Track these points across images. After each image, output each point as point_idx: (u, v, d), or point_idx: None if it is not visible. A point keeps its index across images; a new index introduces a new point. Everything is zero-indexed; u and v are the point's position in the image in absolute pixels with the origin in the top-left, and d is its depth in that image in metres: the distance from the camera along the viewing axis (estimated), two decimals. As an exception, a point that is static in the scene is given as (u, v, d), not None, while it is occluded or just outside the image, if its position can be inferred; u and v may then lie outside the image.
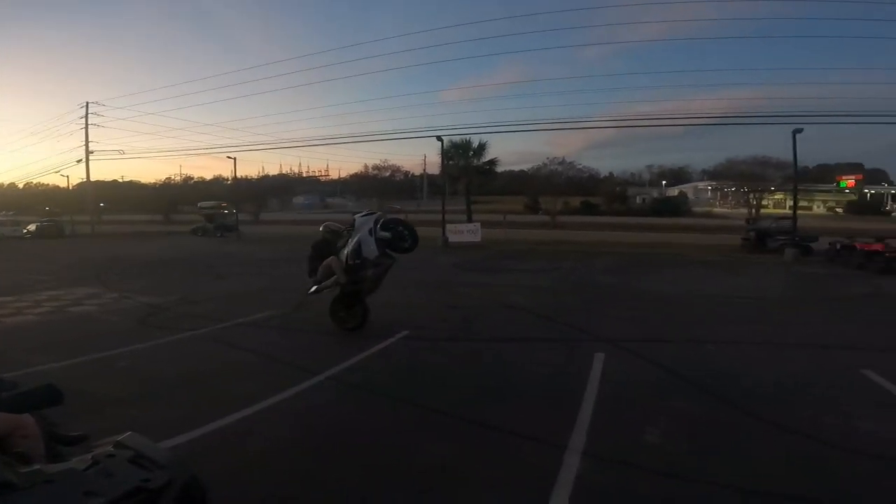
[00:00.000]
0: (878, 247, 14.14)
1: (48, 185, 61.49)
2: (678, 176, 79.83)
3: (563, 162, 41.07)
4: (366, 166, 47.57)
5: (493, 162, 29.86)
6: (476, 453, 3.57)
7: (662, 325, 7.63)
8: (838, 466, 3.36)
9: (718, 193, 60.92)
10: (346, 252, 6.68)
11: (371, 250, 6.63)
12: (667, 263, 15.83)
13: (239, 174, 45.96)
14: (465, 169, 29.07)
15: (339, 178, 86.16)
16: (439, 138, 23.25)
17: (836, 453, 3.53)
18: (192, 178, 70.94)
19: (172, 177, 69.37)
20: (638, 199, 61.33)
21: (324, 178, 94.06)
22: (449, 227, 21.69)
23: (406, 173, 52.00)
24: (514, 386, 4.96)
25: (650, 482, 3.16)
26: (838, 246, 16.10)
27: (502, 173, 42.88)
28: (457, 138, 28.57)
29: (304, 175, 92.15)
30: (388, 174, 44.34)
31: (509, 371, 5.45)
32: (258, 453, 3.52)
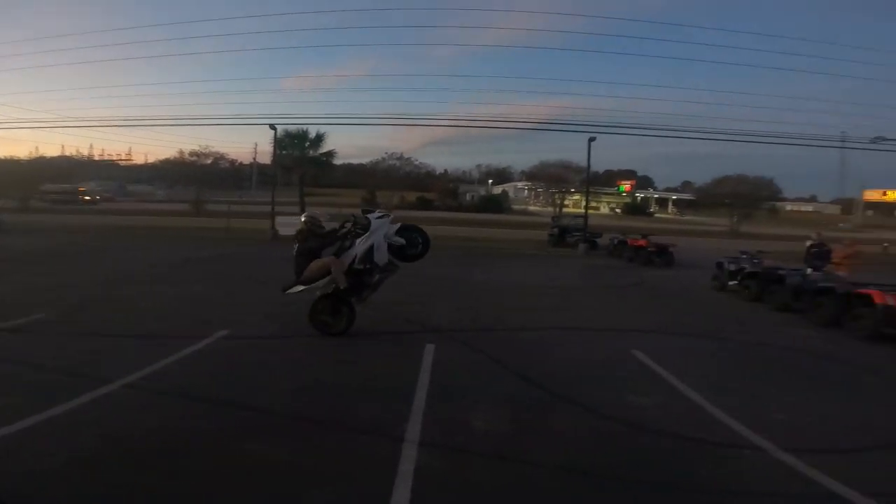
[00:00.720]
0: (642, 243, 17.74)
1: None
2: (502, 175, 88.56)
3: (401, 157, 42.05)
4: (181, 152, 41.35)
5: (330, 154, 28.90)
6: (310, 451, 3.48)
7: (485, 314, 8.39)
8: (624, 441, 3.88)
9: (532, 193, 69.27)
10: (354, 253, 6.23)
11: (383, 256, 6.32)
12: (488, 256, 17.46)
13: (5, 154, 35.94)
14: (299, 160, 27.53)
15: (146, 164, 73.67)
16: (272, 126, 21.61)
17: (622, 428, 4.09)
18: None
19: None
20: (468, 196, 66.23)
21: (125, 162, 79.35)
22: (280, 219, 20.35)
23: (232, 161, 46.89)
24: (346, 381, 4.92)
25: (483, 467, 3.39)
26: (615, 241, 19.77)
27: (341, 166, 42.03)
28: (293, 128, 26.96)
29: (98, 158, 76.42)
30: (209, 161, 39.41)
31: (340, 366, 5.39)
32: (32, 472, 2.96)
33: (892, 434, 4.20)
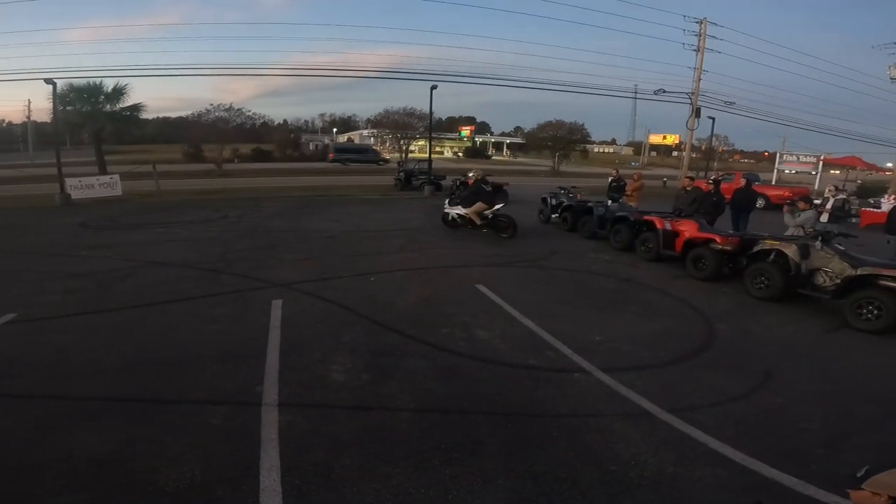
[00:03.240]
0: (480, 182, 18.98)
1: None
2: (347, 124, 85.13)
3: (230, 108, 37.13)
4: None
5: (136, 108, 24.20)
6: (151, 432, 3.15)
7: (332, 262, 8.21)
8: (472, 375, 4.16)
9: (378, 140, 68.29)
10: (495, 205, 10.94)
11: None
12: (334, 204, 16.93)
13: None
14: (93, 115, 22.69)
15: None
16: (49, 81, 17.04)
17: (470, 363, 4.39)
18: None
19: None
20: (311, 146, 62.37)
21: None
22: (72, 181, 16.68)
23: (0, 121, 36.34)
24: (185, 351, 4.49)
25: (346, 419, 3.43)
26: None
27: (153, 120, 35.67)
28: (81, 82, 22.00)
29: None
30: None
31: (175, 336, 4.87)
32: None
33: (676, 349, 4.93)
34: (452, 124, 77.16)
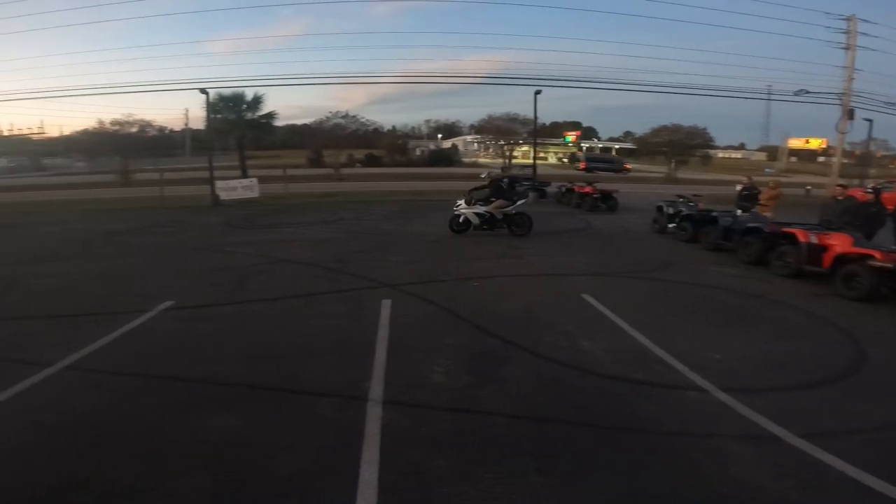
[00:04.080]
0: (588, 189, 18.23)
1: None
2: (451, 130, 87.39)
3: (346, 116, 40.32)
4: (101, 122, 37.67)
5: (270, 115, 27.42)
6: (273, 420, 3.43)
7: (436, 266, 8.44)
8: (573, 385, 4.02)
9: (482, 146, 69.06)
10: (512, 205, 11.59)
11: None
12: (438, 208, 17.36)
13: None
14: (236, 123, 26.03)
15: (62, 136, 66.92)
16: (203, 91, 20.02)
17: (572, 373, 4.25)
18: None
19: None
20: (417, 151, 65.11)
21: (37, 136, 71.82)
22: (220, 183, 19.26)
23: (161, 129, 43.22)
24: (303, 344, 4.86)
25: (444, 420, 3.49)
26: (563, 189, 20.23)
27: (282, 127, 39.92)
28: (227, 91, 25.53)
29: (7, 134, 68.66)
30: (134, 129, 36.21)
31: (296, 329, 5.30)
32: None
33: (815, 372, 4.41)
34: (556, 129, 75.31)
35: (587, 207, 17.63)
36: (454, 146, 72.32)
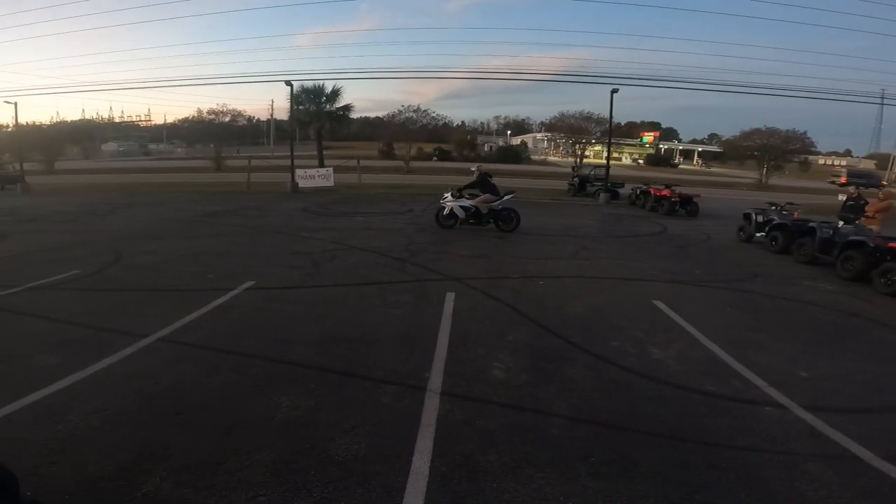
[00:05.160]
0: (666, 192, 17.28)
1: None
2: (521, 127, 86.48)
3: (417, 110, 41.09)
4: (199, 111, 41.35)
5: (347, 108, 28.64)
6: (335, 402, 3.56)
7: (502, 262, 8.39)
8: (638, 392, 3.86)
9: (552, 143, 67.58)
10: (498, 200, 11.54)
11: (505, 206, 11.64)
12: (508, 207, 17.26)
13: (27, 120, 35.75)
14: (316, 114, 27.40)
15: (165, 124, 73.91)
16: (288, 83, 21.24)
17: (637, 380, 4.08)
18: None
19: None
20: (486, 147, 64.99)
21: (145, 123, 79.79)
22: (299, 171, 20.39)
23: (250, 118, 46.72)
24: (368, 330, 5.00)
25: (499, 415, 3.47)
26: (638, 191, 19.30)
27: (356, 119, 41.54)
28: (308, 83, 27.03)
29: (118, 120, 76.94)
30: (227, 119, 39.32)
31: (363, 316, 5.48)
32: (81, 428, 3.11)
33: None
34: (632, 129, 71.95)
35: (664, 211, 16.73)
36: (523, 143, 71.43)
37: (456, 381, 3.93)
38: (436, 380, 3.92)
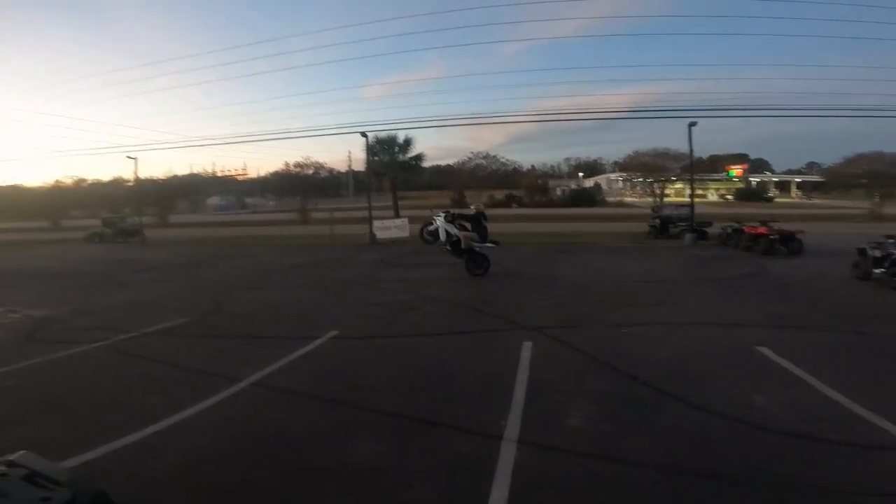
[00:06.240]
0: (762, 230, 15.91)
1: None
2: (592, 167, 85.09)
3: (487, 156, 42.15)
4: (287, 164, 45.61)
5: (419, 157, 29.99)
6: (411, 449, 3.55)
7: (581, 310, 8.09)
8: (743, 442, 3.57)
9: (628, 184, 65.56)
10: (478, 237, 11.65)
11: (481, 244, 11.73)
12: (583, 251, 16.79)
13: (143, 175, 41.72)
14: (390, 165, 28.86)
15: (259, 177, 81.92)
16: (363, 134, 22.85)
17: (741, 428, 3.78)
18: (86, 181, 62.81)
19: (62, 179, 60.82)
20: (558, 191, 64.43)
21: (241, 177, 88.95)
22: (376, 223, 21.42)
23: (330, 170, 50.49)
24: (446, 379, 5.00)
25: (582, 466, 3.29)
26: (729, 230, 17.96)
27: (426, 168, 43.19)
28: (382, 134, 28.46)
29: (219, 175, 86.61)
30: (310, 171, 42.87)
31: (439, 364, 5.49)
32: (176, 467, 3.31)
33: None
34: (716, 163, 67.84)
35: (761, 250, 15.35)
36: (596, 185, 69.99)
37: (532, 430, 3.79)
38: (513, 428, 3.81)
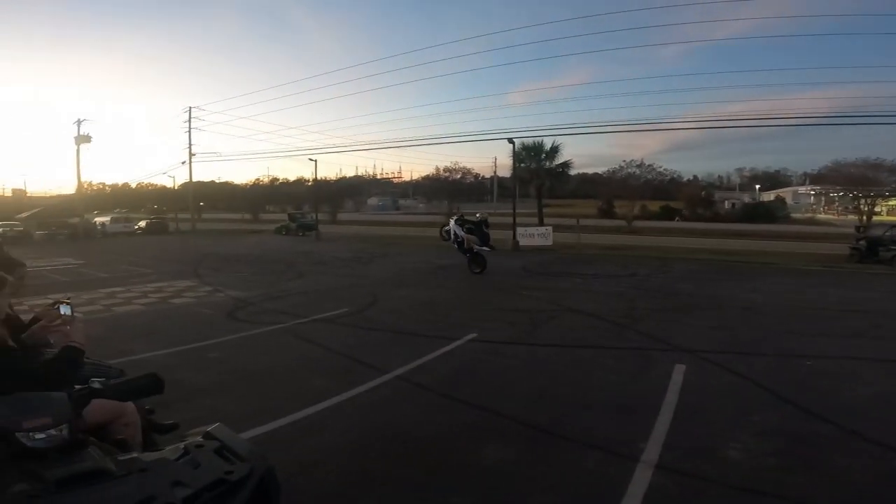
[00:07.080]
0: None
1: (157, 185, 68.29)
2: (773, 179, 73.42)
3: (640, 164, 39.03)
4: (437, 168, 48.29)
5: (566, 164, 29.04)
6: (540, 460, 3.50)
7: (752, 336, 7.04)
8: None
9: (823, 198, 54.95)
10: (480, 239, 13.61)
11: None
12: (758, 272, 14.54)
13: (319, 175, 48.13)
14: (536, 171, 28.47)
15: (411, 180, 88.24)
16: (510, 140, 23.07)
17: None
18: (278, 180, 75.20)
19: (261, 178, 73.71)
20: (727, 204, 56.89)
21: (396, 179, 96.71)
22: (520, 230, 21.46)
23: (476, 175, 51.92)
24: (582, 393, 4.82)
25: (724, 497, 3.00)
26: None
27: (574, 176, 41.72)
28: (528, 140, 28.04)
29: (378, 177, 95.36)
30: (458, 176, 44.71)
31: (577, 377, 5.30)
32: (328, 447, 3.66)
33: None
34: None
35: None
36: (779, 198, 60.01)
37: (676, 455, 3.46)
38: (652, 452, 3.53)
